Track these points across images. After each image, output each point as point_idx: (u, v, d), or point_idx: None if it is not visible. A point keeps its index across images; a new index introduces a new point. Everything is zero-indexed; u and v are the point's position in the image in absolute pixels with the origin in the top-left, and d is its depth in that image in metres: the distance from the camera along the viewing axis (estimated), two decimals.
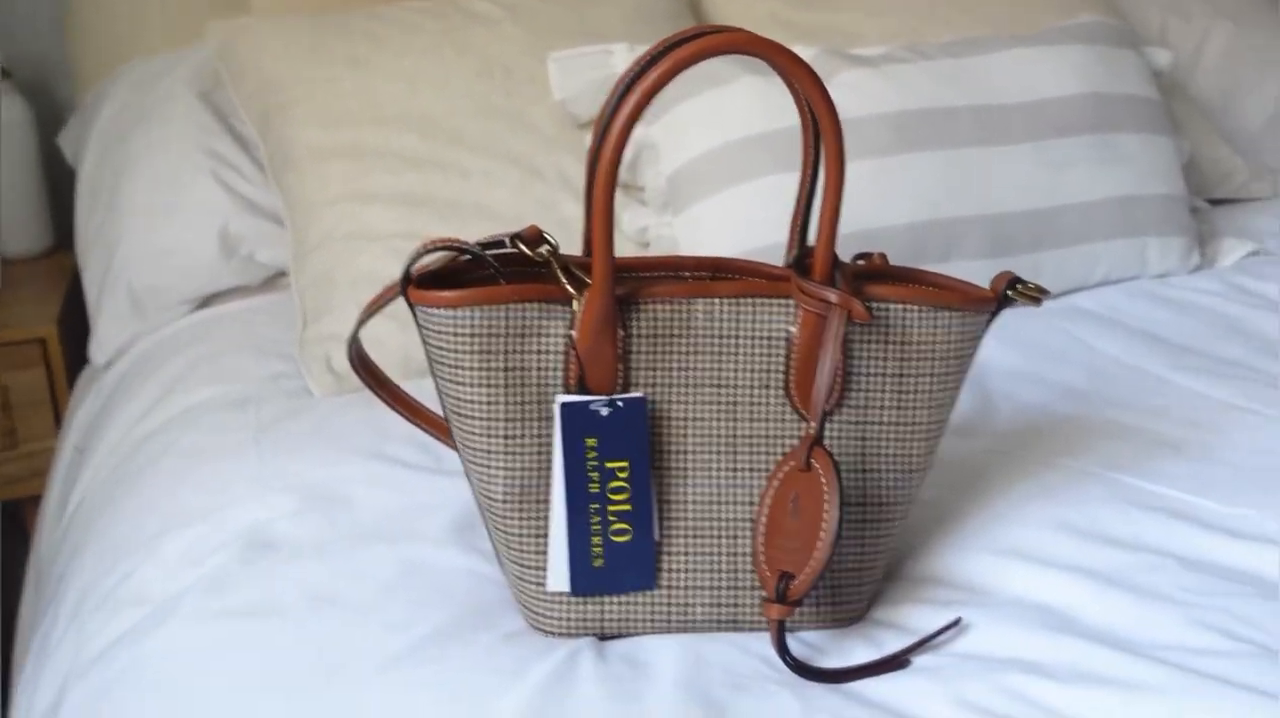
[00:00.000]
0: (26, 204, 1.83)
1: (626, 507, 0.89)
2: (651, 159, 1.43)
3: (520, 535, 0.89)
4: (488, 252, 0.89)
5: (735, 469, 0.90)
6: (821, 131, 0.87)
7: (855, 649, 0.89)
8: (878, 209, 1.39)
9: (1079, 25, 1.58)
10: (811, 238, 0.92)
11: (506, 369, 0.87)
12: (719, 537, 0.90)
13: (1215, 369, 1.26)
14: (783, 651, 0.84)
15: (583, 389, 0.88)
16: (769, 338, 0.90)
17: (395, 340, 1.29)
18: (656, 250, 1.43)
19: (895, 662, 0.86)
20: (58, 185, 1.86)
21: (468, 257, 0.89)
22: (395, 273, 1.34)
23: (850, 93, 1.41)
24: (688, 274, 0.94)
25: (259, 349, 1.40)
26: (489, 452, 0.88)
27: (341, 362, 1.32)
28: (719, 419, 0.90)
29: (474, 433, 0.88)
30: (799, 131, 0.92)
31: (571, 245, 0.93)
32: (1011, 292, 0.92)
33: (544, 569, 0.90)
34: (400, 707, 0.84)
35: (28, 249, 1.84)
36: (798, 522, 0.86)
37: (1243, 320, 1.38)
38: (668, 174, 1.42)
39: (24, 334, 1.64)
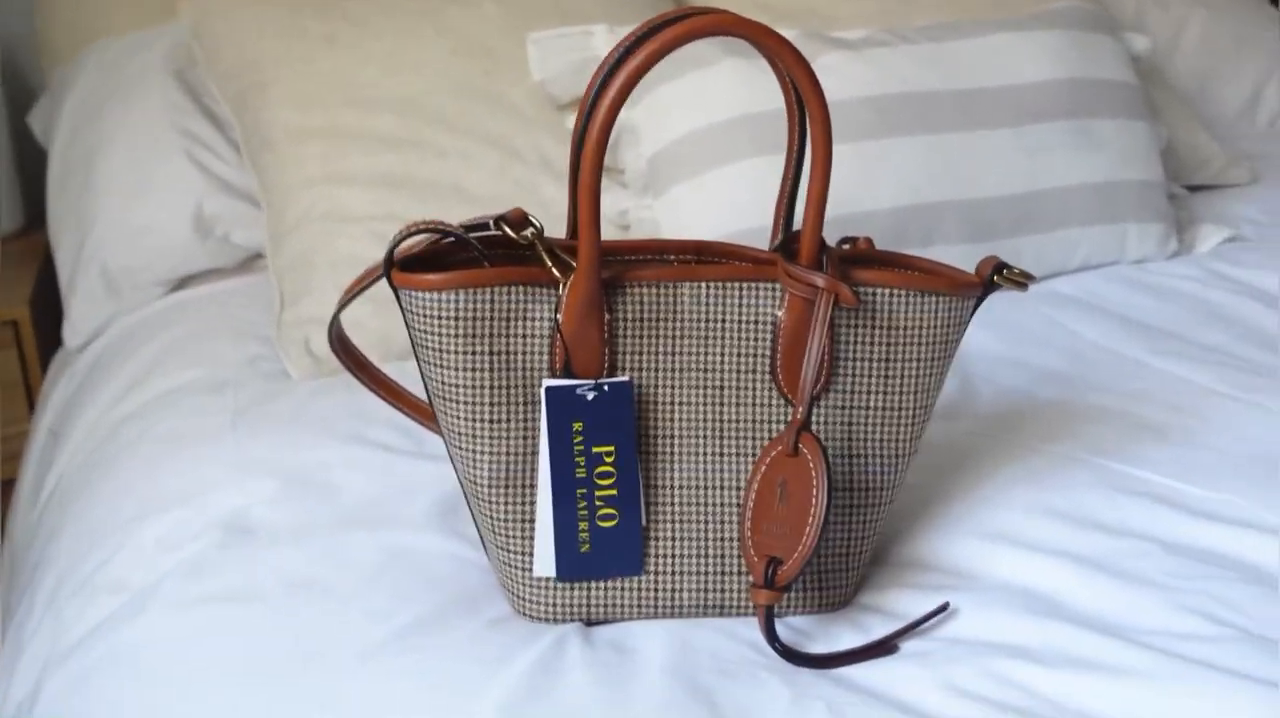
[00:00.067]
0: None
1: (613, 492, 0.88)
2: (632, 141, 1.42)
3: (506, 520, 0.89)
4: (471, 234, 0.88)
5: (722, 454, 0.90)
6: (808, 115, 0.86)
7: (842, 634, 0.88)
8: (859, 193, 1.38)
9: (1057, 10, 1.58)
10: (796, 222, 0.92)
11: (491, 353, 0.86)
12: (705, 522, 0.90)
13: (1195, 355, 1.27)
14: (771, 636, 0.84)
15: (568, 373, 0.87)
16: (755, 322, 0.89)
17: (374, 323, 1.28)
18: (637, 233, 1.42)
19: (883, 647, 0.86)
20: (28, 164, 1.83)
21: (451, 239, 0.88)
22: (374, 255, 1.33)
23: (831, 76, 1.40)
24: (672, 257, 0.93)
25: (236, 332, 1.38)
26: (474, 436, 0.87)
27: (320, 345, 1.30)
28: (705, 404, 0.90)
29: (458, 417, 0.87)
30: (781, 114, 0.92)
31: (551, 227, 0.92)
32: (997, 277, 0.92)
33: (530, 554, 0.89)
34: (384, 695, 0.83)
35: None
36: (785, 507, 0.85)
37: (1222, 306, 1.39)
38: (648, 156, 1.41)
39: None
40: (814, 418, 0.90)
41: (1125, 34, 1.65)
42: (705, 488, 0.90)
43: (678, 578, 0.90)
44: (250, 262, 1.55)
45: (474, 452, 0.88)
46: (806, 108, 0.86)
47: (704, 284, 0.88)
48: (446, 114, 1.46)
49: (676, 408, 0.89)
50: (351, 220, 1.39)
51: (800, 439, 0.85)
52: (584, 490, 0.88)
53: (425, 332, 0.86)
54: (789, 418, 0.89)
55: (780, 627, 0.87)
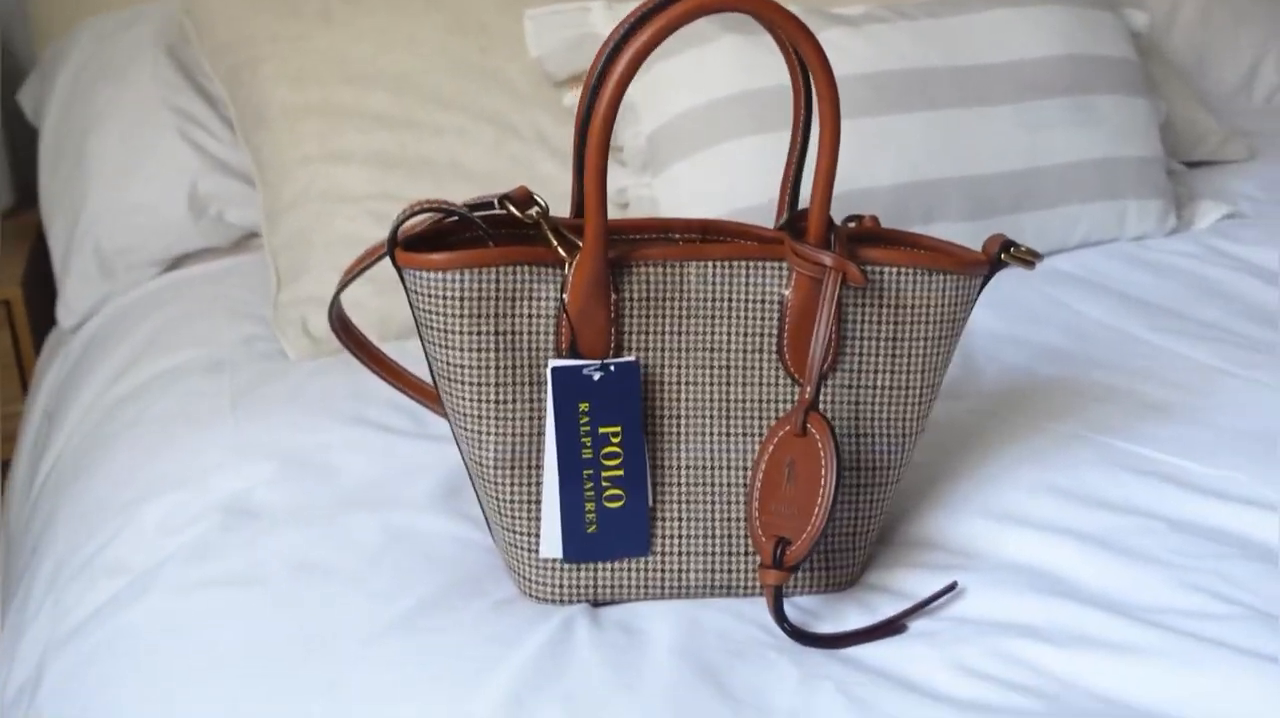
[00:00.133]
0: None
1: (619, 472, 0.88)
2: (631, 119, 1.41)
3: (512, 502, 0.88)
4: (475, 213, 0.87)
5: (728, 434, 0.89)
6: (816, 91, 0.85)
7: (850, 614, 0.88)
8: (858, 171, 1.38)
9: None
10: (801, 200, 0.91)
11: (497, 333, 0.85)
12: (712, 502, 0.89)
13: (1195, 332, 1.26)
14: (780, 616, 0.84)
15: (574, 353, 0.87)
16: (762, 301, 0.89)
17: (374, 303, 1.27)
18: (635, 211, 1.41)
19: (891, 627, 0.86)
20: (17, 143, 1.81)
21: (454, 218, 0.88)
22: (371, 234, 1.34)
23: (831, 52, 1.36)
24: (677, 236, 0.93)
25: (231, 312, 1.38)
26: (479, 417, 0.87)
27: (317, 325, 1.29)
28: (712, 383, 0.89)
29: (464, 398, 0.87)
30: (780, 91, 0.91)
31: (550, 204, 0.90)
32: (1005, 255, 0.92)
33: (536, 536, 0.88)
34: (392, 678, 0.83)
35: None
36: (793, 487, 0.85)
37: (1221, 283, 1.39)
38: (647, 134, 1.40)
39: None
40: (821, 397, 0.89)
41: (1125, 10, 1.64)
42: (712, 468, 0.89)
43: (685, 558, 0.89)
44: (245, 241, 1.54)
45: (480, 433, 0.87)
46: (814, 84, 0.85)
47: (710, 263, 0.88)
48: (442, 91, 1.45)
49: (683, 388, 0.89)
50: (348, 199, 1.38)
51: (808, 419, 0.85)
52: (590, 471, 0.87)
53: (430, 312, 0.85)
54: (796, 397, 0.89)
55: (788, 607, 0.86)
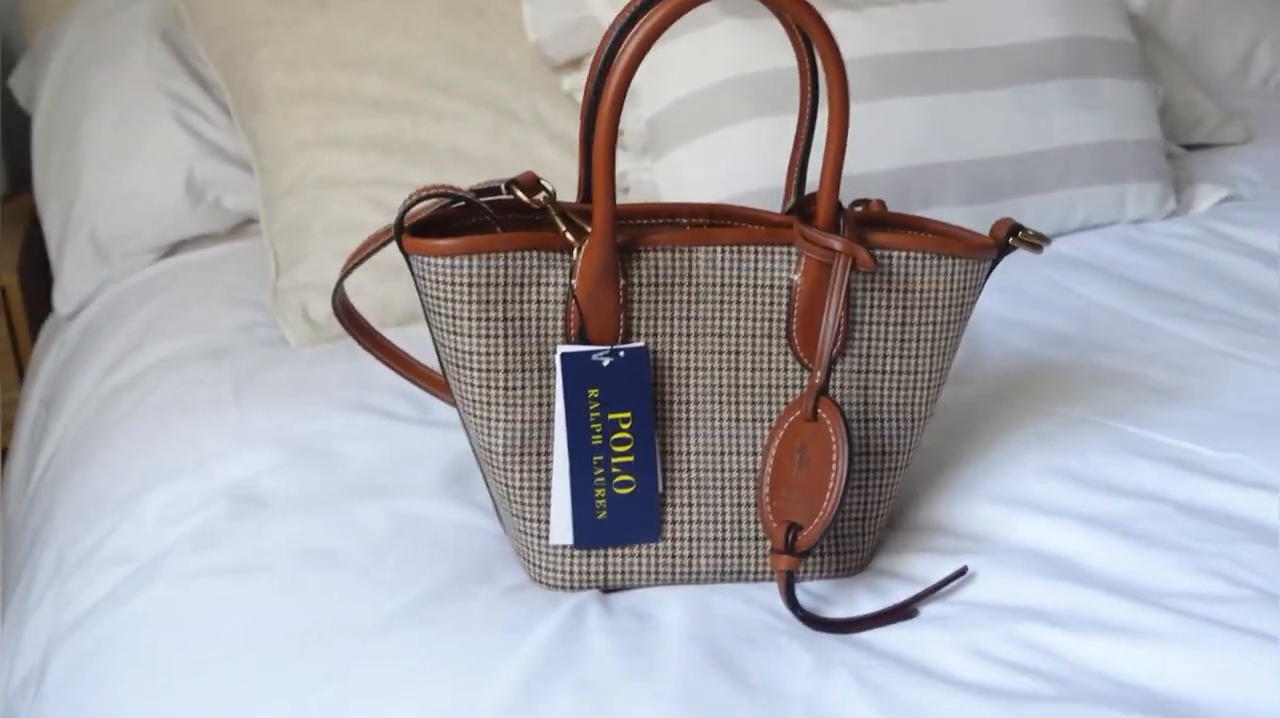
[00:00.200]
0: None
1: (629, 458, 0.87)
2: (631, 103, 1.40)
3: (521, 488, 0.88)
4: (482, 198, 0.86)
5: (738, 419, 0.89)
6: (825, 73, 0.85)
7: (860, 599, 0.88)
8: (859, 155, 1.36)
9: None
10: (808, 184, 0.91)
11: (506, 319, 0.85)
12: (722, 487, 0.89)
13: (1198, 315, 1.26)
14: (791, 602, 0.83)
15: (583, 339, 0.86)
16: (771, 286, 0.88)
17: (375, 290, 1.26)
18: (636, 196, 1.40)
19: (903, 611, 0.86)
20: (9, 127, 1.80)
21: (460, 203, 0.87)
22: (370, 220, 1.33)
23: None
24: (685, 221, 0.92)
25: (230, 298, 1.37)
26: (489, 403, 0.86)
27: (317, 311, 1.29)
28: (721, 369, 0.89)
29: (473, 385, 0.86)
30: (780, 75, 0.90)
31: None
32: (1013, 239, 0.91)
33: (546, 522, 0.88)
34: (402, 666, 0.82)
35: None
36: (804, 472, 0.85)
37: (1221, 266, 1.39)
38: (647, 118, 1.40)
39: None
40: (830, 382, 0.89)
41: None
42: (721, 453, 0.89)
43: (695, 544, 0.89)
44: (242, 227, 1.53)
45: (489, 420, 0.87)
46: (824, 67, 0.85)
47: (719, 248, 0.87)
48: (439, 76, 1.44)
49: (692, 373, 0.88)
50: (346, 185, 1.37)
51: (819, 404, 0.85)
52: (600, 457, 0.87)
53: (438, 298, 0.85)
54: (804, 383, 0.89)
55: (799, 592, 0.86)
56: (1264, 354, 1.17)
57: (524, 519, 0.88)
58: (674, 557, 0.89)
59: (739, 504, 0.89)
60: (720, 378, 0.89)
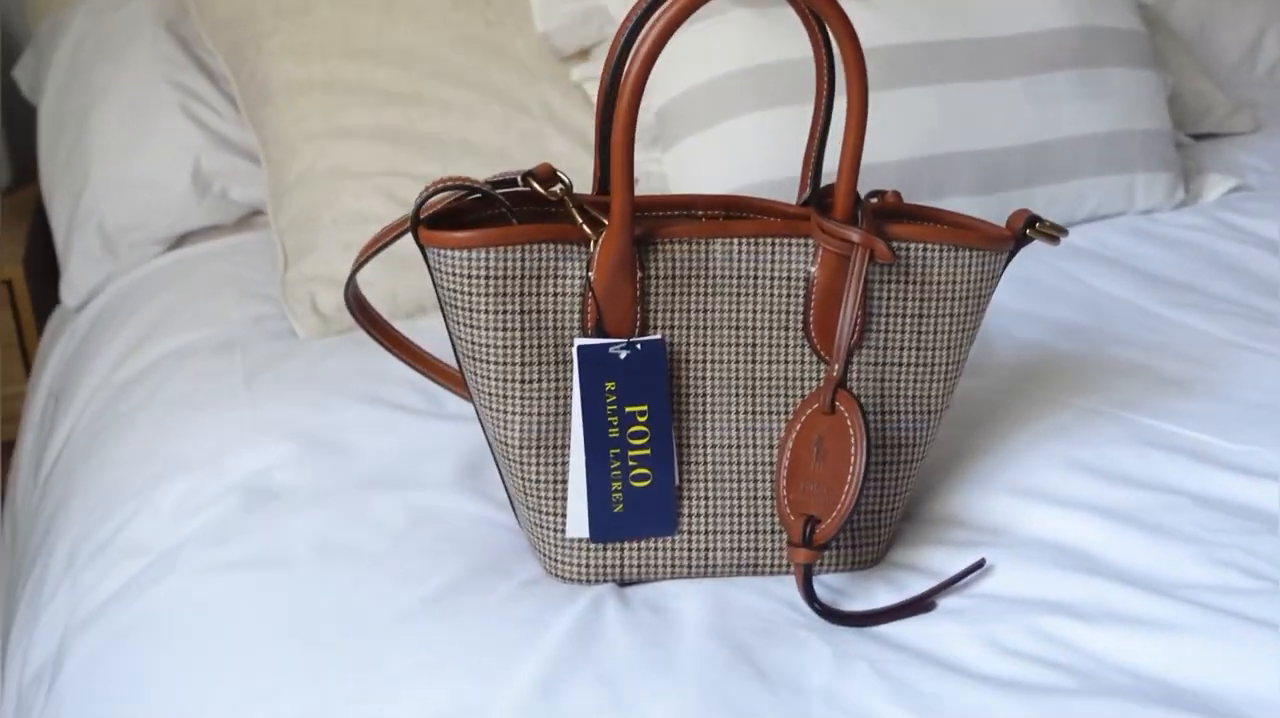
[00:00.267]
0: None
1: (646, 451, 0.87)
2: None
3: (538, 482, 0.88)
4: (498, 190, 0.86)
5: (755, 412, 0.89)
6: (844, 61, 0.84)
7: (877, 592, 0.88)
8: (870, 145, 1.34)
9: None
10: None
11: (522, 312, 0.85)
12: (739, 480, 0.89)
13: (1209, 305, 1.26)
14: (810, 595, 0.83)
15: (600, 332, 0.86)
16: (788, 278, 0.88)
17: (384, 283, 1.26)
18: (645, 187, 1.40)
19: (921, 604, 0.86)
20: (13, 118, 1.79)
21: (476, 195, 0.86)
22: (379, 211, 1.33)
23: None
24: (701, 213, 0.92)
25: (239, 290, 1.36)
26: (505, 397, 0.86)
27: (327, 303, 1.28)
28: (738, 361, 0.88)
29: (489, 378, 0.86)
30: (789, 66, 0.90)
31: None
32: (1030, 230, 0.91)
33: (563, 516, 0.88)
34: (422, 659, 0.82)
35: None
36: (822, 465, 0.84)
37: (1231, 256, 1.38)
38: (656, 109, 1.39)
39: None
40: (848, 375, 0.89)
41: None
42: (738, 446, 0.89)
43: (712, 537, 0.89)
44: (249, 219, 1.53)
45: (505, 413, 0.86)
46: (842, 55, 0.84)
47: (736, 240, 0.87)
48: (448, 66, 1.43)
49: (709, 366, 0.88)
50: (355, 176, 1.37)
51: (837, 396, 0.85)
52: (617, 450, 0.87)
53: (455, 291, 0.84)
54: (821, 375, 0.88)
55: (816, 585, 0.86)
56: (1275, 345, 1.17)
57: (540, 513, 0.88)
58: (690, 550, 0.89)
59: (756, 497, 0.89)
60: (737, 370, 0.88)
